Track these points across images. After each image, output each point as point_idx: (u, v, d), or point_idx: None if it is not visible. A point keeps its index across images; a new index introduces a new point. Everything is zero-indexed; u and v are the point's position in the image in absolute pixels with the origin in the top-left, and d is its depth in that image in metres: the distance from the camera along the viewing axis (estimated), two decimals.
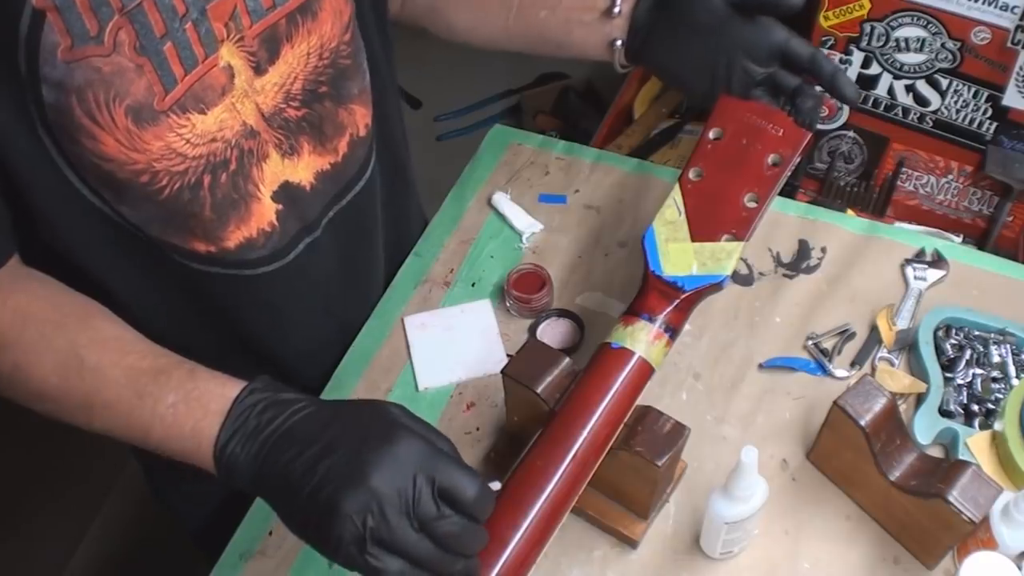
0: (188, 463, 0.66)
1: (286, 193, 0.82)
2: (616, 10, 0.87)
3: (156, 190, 0.72)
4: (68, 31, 0.62)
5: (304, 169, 0.83)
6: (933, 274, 1.02)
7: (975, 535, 0.78)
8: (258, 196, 0.79)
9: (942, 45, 1.28)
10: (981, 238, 1.42)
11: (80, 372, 0.68)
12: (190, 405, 0.66)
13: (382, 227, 1.01)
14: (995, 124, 1.32)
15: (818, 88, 0.84)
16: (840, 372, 0.96)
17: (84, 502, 1.98)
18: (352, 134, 0.86)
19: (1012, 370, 0.93)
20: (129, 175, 0.70)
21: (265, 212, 0.81)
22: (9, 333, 0.70)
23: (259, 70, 0.75)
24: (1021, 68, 1.24)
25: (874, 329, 0.99)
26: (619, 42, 0.89)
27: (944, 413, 0.91)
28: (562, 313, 1.02)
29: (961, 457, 0.87)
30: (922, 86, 1.34)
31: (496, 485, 0.69)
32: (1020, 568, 0.73)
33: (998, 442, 0.87)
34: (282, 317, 0.91)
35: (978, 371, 0.93)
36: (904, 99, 1.37)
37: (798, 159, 0.84)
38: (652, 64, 0.90)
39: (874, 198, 1.48)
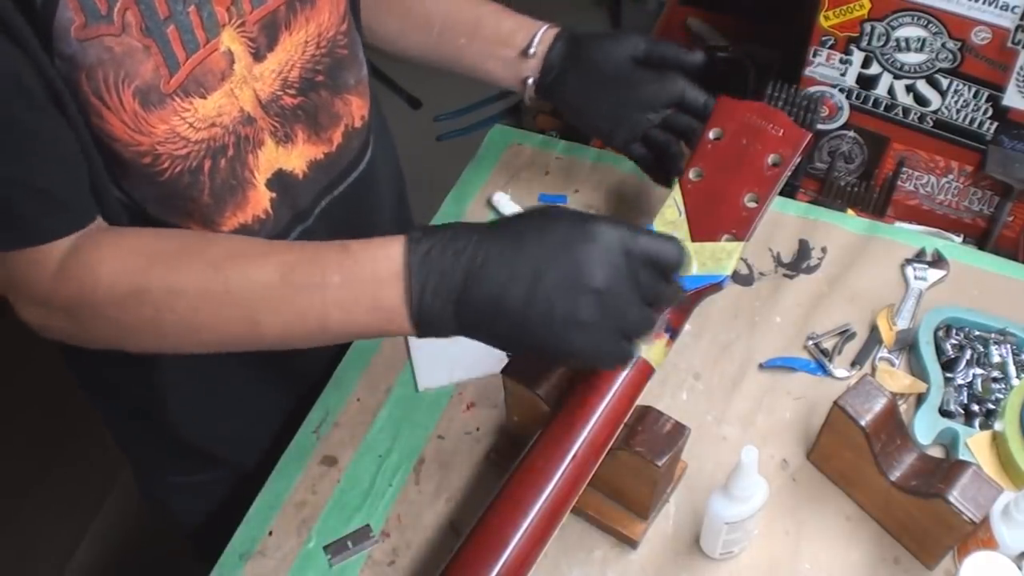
0: (379, 336, 0.67)
1: (279, 181, 0.82)
2: (531, 51, 0.93)
3: (157, 171, 0.72)
4: (82, 9, 0.62)
5: (297, 157, 0.83)
6: (933, 274, 1.02)
7: (975, 535, 0.78)
8: (253, 183, 0.80)
9: (942, 45, 1.28)
10: (981, 238, 1.42)
11: (227, 291, 0.65)
12: (361, 280, 0.63)
13: (384, 219, 1.01)
14: (995, 124, 1.32)
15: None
16: (840, 372, 0.96)
17: (84, 502, 1.98)
18: (347, 125, 0.87)
19: (1012, 370, 0.93)
20: (133, 155, 0.70)
21: (260, 199, 0.81)
22: (141, 275, 0.66)
23: (258, 56, 0.76)
24: (1021, 68, 1.24)
25: (874, 329, 0.99)
26: (531, 80, 0.95)
27: (944, 413, 0.91)
28: None
29: (961, 457, 0.87)
30: (922, 86, 1.34)
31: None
32: (1020, 568, 0.73)
33: (998, 442, 0.87)
34: None
35: (978, 371, 0.93)
36: (904, 99, 1.37)
37: (798, 159, 0.84)
38: (559, 103, 0.95)
39: (874, 198, 1.48)
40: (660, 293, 0.65)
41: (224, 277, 0.65)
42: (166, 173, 0.73)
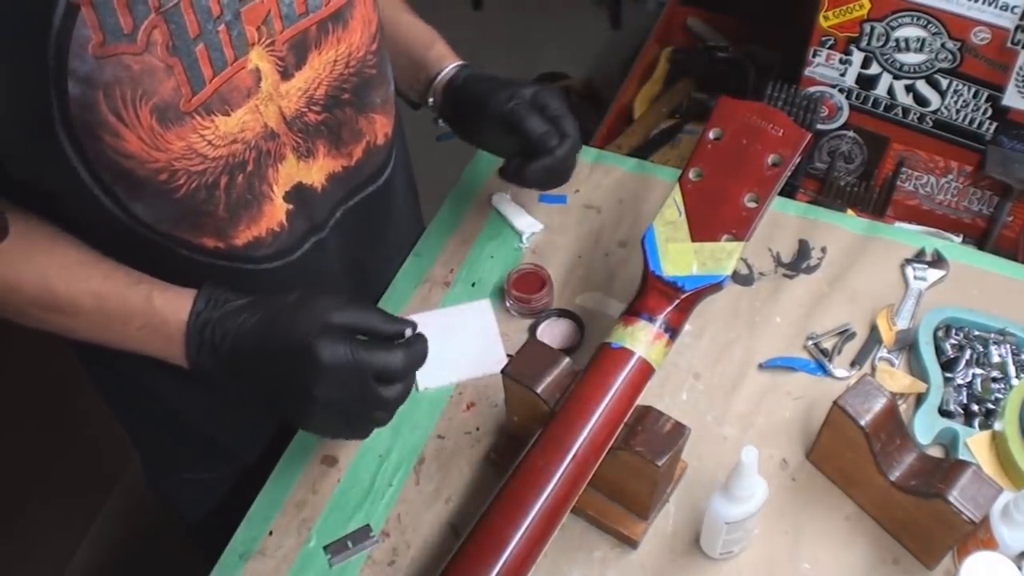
0: None
1: (298, 194, 0.83)
2: (430, 101, 1.00)
3: (173, 188, 0.72)
4: (101, 27, 0.62)
5: (317, 171, 0.84)
6: (933, 274, 1.02)
7: (975, 535, 0.78)
8: (271, 197, 0.80)
9: (942, 45, 1.28)
10: (981, 238, 1.42)
11: (53, 301, 0.75)
12: (155, 332, 0.76)
13: (398, 231, 1.01)
14: (995, 124, 1.32)
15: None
16: (840, 372, 0.96)
17: (84, 502, 1.98)
18: (369, 142, 0.88)
19: (1012, 370, 0.93)
20: (148, 172, 0.70)
21: (276, 212, 0.81)
22: None
23: (286, 75, 0.76)
24: (1021, 68, 1.24)
25: (874, 329, 0.99)
26: (431, 101, 1.00)
27: (944, 413, 0.91)
28: (562, 313, 1.02)
29: (961, 457, 0.87)
30: (922, 86, 1.34)
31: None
32: (1020, 568, 0.73)
33: (998, 442, 0.87)
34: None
35: (978, 371, 0.93)
36: (904, 99, 1.37)
37: (798, 159, 0.84)
38: (457, 133, 1.02)
39: (874, 198, 1.48)
40: (388, 396, 0.75)
41: (51, 289, 0.74)
42: (182, 189, 0.73)
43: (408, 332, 0.78)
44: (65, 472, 1.99)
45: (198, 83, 0.69)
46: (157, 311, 0.75)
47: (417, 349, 0.77)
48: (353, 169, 0.87)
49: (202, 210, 0.76)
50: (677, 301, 0.81)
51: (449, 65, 0.98)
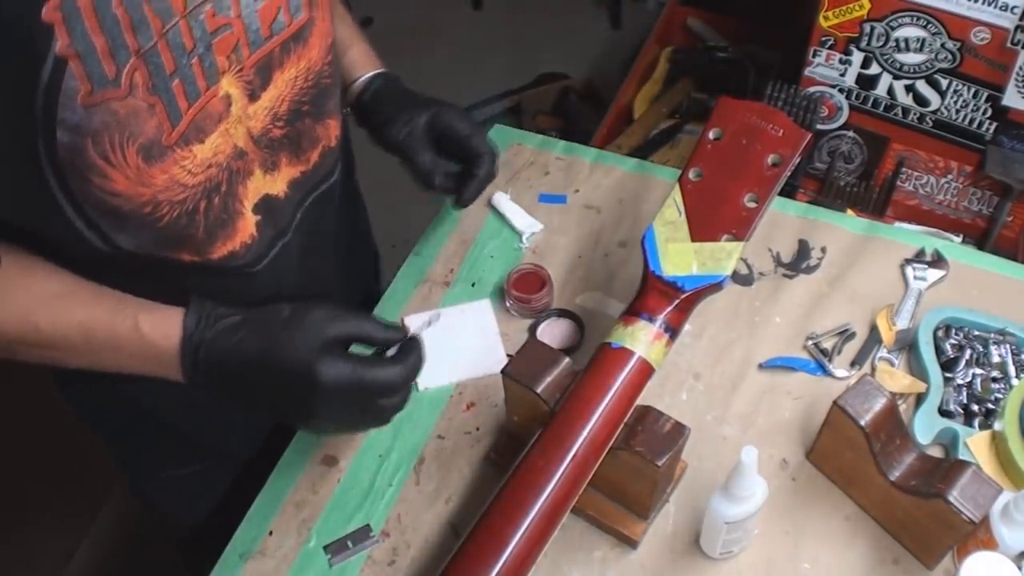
0: None
1: (265, 204, 0.84)
2: (345, 110, 0.99)
3: (156, 218, 0.73)
4: (88, 77, 0.63)
5: (281, 181, 0.85)
6: (933, 274, 1.02)
7: (975, 535, 0.78)
8: (242, 212, 0.81)
9: (942, 45, 1.28)
10: (981, 238, 1.42)
11: (38, 337, 0.74)
12: (148, 357, 0.75)
13: (344, 220, 1.02)
14: (995, 124, 1.32)
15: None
16: (840, 372, 0.96)
17: (84, 504, 1.98)
18: (325, 145, 0.89)
19: (1012, 370, 0.93)
20: (134, 207, 0.71)
21: (247, 226, 0.83)
22: None
23: (253, 97, 0.77)
24: (1021, 68, 1.24)
25: (874, 329, 0.99)
26: (346, 110, 1.00)
27: (944, 413, 0.91)
28: (562, 313, 1.02)
29: (961, 457, 0.87)
30: (922, 86, 1.34)
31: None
32: (1020, 568, 0.73)
33: (998, 442, 0.87)
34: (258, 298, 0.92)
35: (978, 371, 0.93)
36: (904, 99, 1.37)
37: (798, 159, 0.84)
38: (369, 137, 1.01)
39: (874, 198, 1.48)
40: (387, 403, 0.78)
41: (36, 326, 0.74)
42: (164, 219, 0.74)
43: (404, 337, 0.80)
44: (64, 474, 1.99)
45: (176, 117, 0.70)
46: (146, 337, 0.74)
47: (414, 360, 0.78)
48: (310, 172, 0.88)
49: (183, 234, 0.77)
50: (677, 301, 0.81)
51: (360, 77, 1.00)
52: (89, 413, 1.01)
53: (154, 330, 0.75)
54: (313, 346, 0.73)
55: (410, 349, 0.78)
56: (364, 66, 1.00)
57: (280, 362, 0.74)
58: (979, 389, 0.92)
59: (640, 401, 0.79)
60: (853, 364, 0.97)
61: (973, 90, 1.30)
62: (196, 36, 0.69)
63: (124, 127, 0.66)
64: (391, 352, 0.79)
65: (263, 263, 0.85)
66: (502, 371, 0.83)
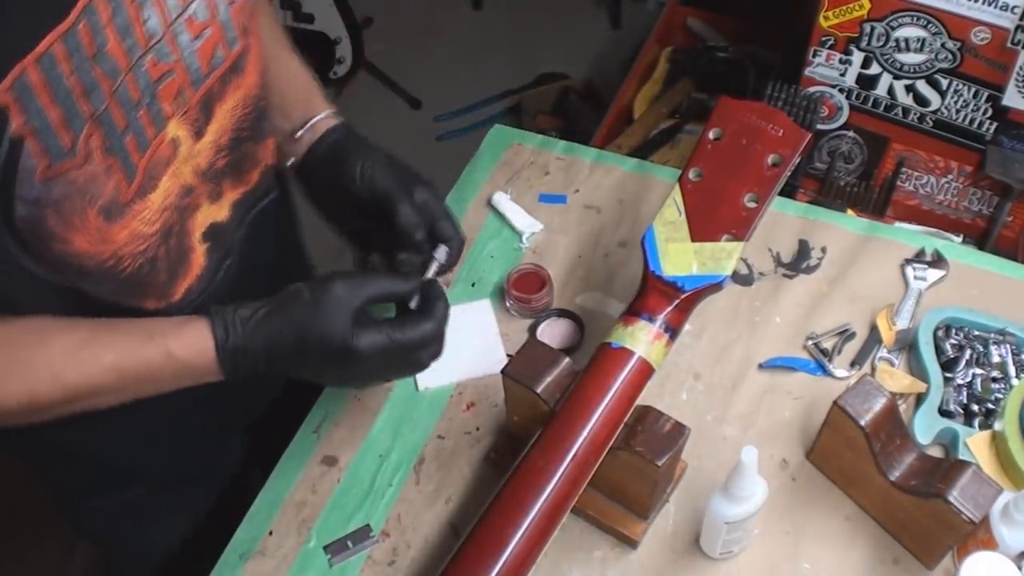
0: None
1: (212, 232, 0.83)
2: (298, 135, 0.89)
3: (120, 270, 0.74)
4: (46, 152, 0.62)
5: (224, 206, 0.84)
6: (933, 274, 1.02)
7: (975, 535, 0.78)
8: (194, 246, 0.81)
9: (942, 45, 1.28)
10: (981, 238, 1.42)
11: (72, 392, 0.72)
12: (187, 374, 0.74)
13: (277, 242, 0.99)
14: (995, 124, 1.32)
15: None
16: (840, 372, 0.96)
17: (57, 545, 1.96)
18: (264, 164, 0.88)
19: (1012, 370, 0.93)
20: (96, 263, 0.71)
21: (199, 257, 0.82)
22: None
23: (199, 135, 0.76)
24: (1021, 68, 1.24)
25: (874, 329, 0.99)
26: (290, 162, 0.91)
27: (944, 413, 0.91)
28: (562, 313, 1.02)
29: (961, 457, 0.87)
30: (922, 86, 1.34)
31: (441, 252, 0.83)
32: (1020, 568, 0.73)
33: (998, 442, 0.87)
34: None
35: (978, 371, 0.93)
36: (904, 99, 1.37)
37: (798, 159, 0.84)
38: (307, 196, 0.92)
39: (874, 198, 1.48)
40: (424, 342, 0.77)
41: (64, 383, 0.72)
42: (127, 270, 0.74)
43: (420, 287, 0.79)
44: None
45: (132, 173, 0.69)
46: (181, 360, 0.74)
47: (441, 309, 0.78)
48: (251, 192, 0.87)
49: (146, 281, 0.77)
50: (677, 301, 0.81)
51: (312, 124, 0.90)
52: (3, 445, 0.96)
53: (187, 351, 0.74)
54: (344, 322, 0.73)
55: (434, 298, 0.78)
56: (319, 105, 0.91)
57: (317, 346, 0.74)
58: (979, 389, 0.92)
59: (640, 401, 0.79)
60: (853, 364, 0.97)
61: (973, 90, 1.30)
62: (142, 87, 0.68)
63: (84, 193, 0.66)
64: (414, 303, 0.79)
65: (212, 288, 0.85)
66: (502, 371, 0.83)
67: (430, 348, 0.78)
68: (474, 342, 1.01)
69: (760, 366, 0.97)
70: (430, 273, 0.81)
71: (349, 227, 0.90)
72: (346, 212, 0.87)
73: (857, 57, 1.35)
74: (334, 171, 0.86)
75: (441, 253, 0.83)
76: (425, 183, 0.86)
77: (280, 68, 0.90)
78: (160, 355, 0.73)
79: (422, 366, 0.80)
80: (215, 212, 0.82)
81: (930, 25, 1.27)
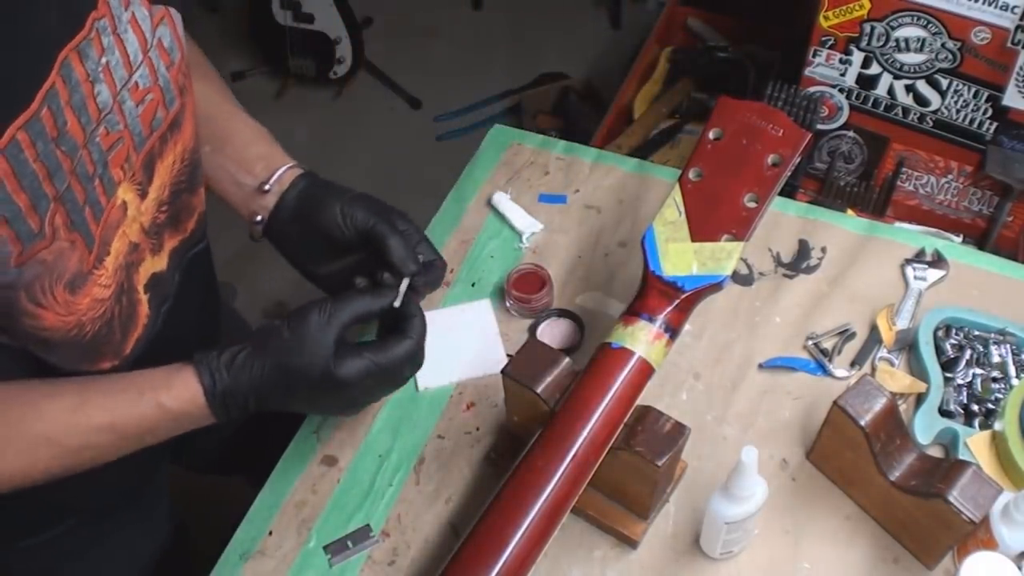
0: None
1: (154, 282, 0.84)
2: (267, 187, 0.87)
3: (82, 337, 0.74)
4: (17, 237, 0.63)
5: (164, 256, 0.85)
6: (933, 274, 1.02)
7: (975, 535, 0.78)
8: (140, 299, 0.82)
9: (942, 45, 1.28)
10: (981, 238, 1.42)
11: (72, 459, 0.74)
12: (181, 423, 0.76)
13: (209, 281, 1.00)
14: (995, 124, 1.32)
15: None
16: (840, 372, 0.96)
17: None
18: (199, 212, 0.88)
19: (1012, 370, 0.93)
20: (62, 334, 0.72)
21: (144, 309, 0.83)
22: None
23: (143, 195, 0.77)
24: (1021, 68, 1.24)
25: (874, 329, 0.99)
26: (259, 218, 0.88)
27: (944, 413, 0.91)
28: (562, 313, 1.02)
29: (961, 457, 0.87)
30: (922, 86, 1.34)
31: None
32: (1020, 568, 0.73)
33: (998, 442, 0.87)
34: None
35: (978, 371, 0.93)
36: (904, 99, 1.37)
37: (798, 159, 0.84)
38: (280, 248, 0.90)
39: (874, 198, 1.48)
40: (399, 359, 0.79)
41: (63, 447, 0.73)
42: (89, 335, 0.75)
43: (397, 300, 0.80)
44: None
45: (91, 242, 0.70)
46: (173, 411, 0.75)
47: (418, 325, 0.80)
48: (188, 239, 0.88)
49: (105, 342, 0.78)
50: (677, 301, 0.81)
51: (283, 166, 0.88)
52: None
53: (178, 402, 0.75)
54: (325, 352, 0.75)
55: (410, 316, 0.80)
56: (281, 158, 0.89)
57: (301, 379, 0.76)
58: (979, 389, 0.92)
59: (640, 401, 0.79)
60: (853, 364, 0.97)
61: (973, 90, 1.30)
62: (95, 159, 0.69)
63: (52, 271, 0.67)
64: (398, 301, 0.80)
65: (154, 334, 0.85)
66: (502, 371, 0.83)
67: (412, 365, 0.80)
68: (474, 342, 1.01)
69: (760, 366, 0.97)
70: (398, 299, 0.80)
71: (325, 270, 0.89)
72: (324, 255, 0.87)
73: (857, 57, 1.35)
74: (312, 217, 0.85)
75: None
76: (401, 213, 0.86)
77: (237, 124, 0.91)
78: (153, 410, 0.75)
79: (405, 381, 0.82)
80: (156, 263, 0.83)
81: (930, 25, 1.27)
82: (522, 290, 1.01)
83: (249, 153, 0.89)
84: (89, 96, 0.66)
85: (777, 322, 1.00)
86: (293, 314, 0.77)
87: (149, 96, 0.73)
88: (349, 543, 0.88)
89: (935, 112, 1.36)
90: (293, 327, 0.76)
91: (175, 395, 0.75)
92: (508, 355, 0.98)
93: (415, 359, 0.80)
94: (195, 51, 0.89)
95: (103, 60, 0.67)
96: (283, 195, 0.87)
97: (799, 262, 1.05)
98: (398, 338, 0.79)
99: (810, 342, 0.98)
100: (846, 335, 0.99)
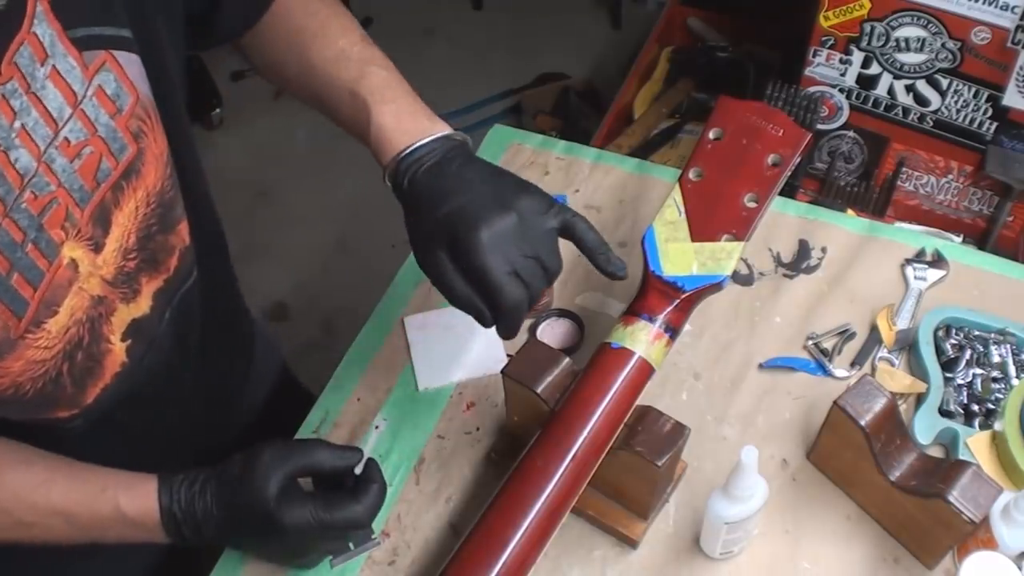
0: None
1: (134, 328, 0.80)
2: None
3: (21, 395, 0.71)
4: None
5: (144, 300, 0.81)
6: (933, 274, 1.02)
7: (975, 535, 0.78)
8: (111, 348, 0.78)
9: (942, 45, 1.28)
10: (981, 238, 1.42)
11: (24, 532, 0.75)
12: (134, 533, 0.77)
13: (218, 314, 0.97)
14: (995, 124, 1.32)
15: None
16: (840, 372, 0.96)
17: None
18: (180, 249, 0.83)
19: (1012, 370, 0.93)
20: None
21: (118, 356, 0.79)
22: None
23: (97, 248, 0.73)
24: (1021, 68, 1.24)
25: (874, 329, 0.99)
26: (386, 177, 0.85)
27: (944, 413, 0.91)
28: (562, 313, 1.02)
29: (961, 457, 0.87)
30: (922, 86, 1.34)
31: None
32: (1020, 568, 0.73)
33: (998, 442, 0.87)
34: (147, 414, 0.89)
35: (978, 371, 0.93)
36: (904, 99, 1.37)
37: (798, 159, 0.84)
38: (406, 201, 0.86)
39: (874, 198, 1.48)
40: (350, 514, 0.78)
41: (18, 520, 0.75)
42: (29, 394, 0.72)
43: (358, 464, 0.80)
44: None
45: (22, 309, 0.67)
46: (128, 517, 0.76)
47: (374, 496, 0.79)
48: (172, 277, 0.83)
49: (52, 396, 0.75)
50: (677, 301, 0.81)
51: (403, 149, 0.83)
52: None
53: (134, 509, 0.76)
54: (270, 494, 0.75)
55: (369, 481, 0.79)
56: (432, 125, 0.85)
57: (245, 518, 0.76)
58: (979, 389, 0.92)
59: (640, 401, 0.79)
60: (853, 364, 0.97)
61: (973, 90, 1.30)
62: (24, 226, 0.66)
63: None
64: (359, 468, 0.80)
65: (137, 380, 0.82)
66: (502, 371, 0.83)
67: (356, 532, 0.81)
68: (474, 342, 1.01)
69: (760, 366, 0.97)
70: (360, 466, 0.80)
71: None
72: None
73: (857, 57, 1.35)
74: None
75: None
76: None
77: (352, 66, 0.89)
78: (109, 509, 0.75)
79: (346, 543, 0.84)
80: (134, 309, 0.80)
81: (930, 25, 1.27)
82: None
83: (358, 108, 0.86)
84: (4, 165, 0.63)
85: (777, 322, 1.00)
86: (250, 449, 0.78)
87: (87, 149, 0.69)
88: (349, 543, 0.88)
89: (935, 112, 1.36)
90: (245, 462, 0.77)
91: (133, 502, 0.76)
92: (508, 355, 0.98)
93: (358, 524, 0.79)
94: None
95: (16, 124, 0.63)
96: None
97: (799, 262, 1.05)
98: (349, 500, 0.78)
99: (810, 342, 0.98)
100: (846, 335, 0.99)
